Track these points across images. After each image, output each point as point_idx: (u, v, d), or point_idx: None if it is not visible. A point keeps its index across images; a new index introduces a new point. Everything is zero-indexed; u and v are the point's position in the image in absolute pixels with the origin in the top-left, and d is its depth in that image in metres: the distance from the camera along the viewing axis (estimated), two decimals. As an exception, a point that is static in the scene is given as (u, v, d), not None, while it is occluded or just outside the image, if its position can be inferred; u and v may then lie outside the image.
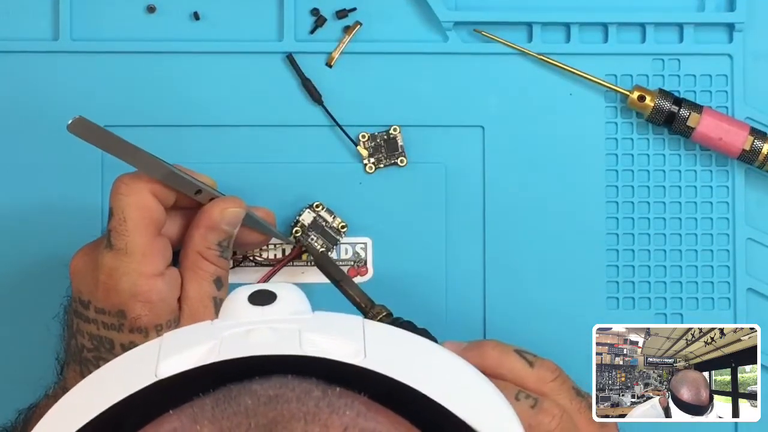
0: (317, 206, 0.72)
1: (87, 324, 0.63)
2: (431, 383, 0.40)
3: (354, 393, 0.40)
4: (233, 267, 0.72)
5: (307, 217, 0.71)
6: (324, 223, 0.71)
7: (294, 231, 0.71)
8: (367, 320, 0.43)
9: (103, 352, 0.63)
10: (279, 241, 0.72)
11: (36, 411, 0.65)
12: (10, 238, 0.72)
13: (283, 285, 0.45)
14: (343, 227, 0.72)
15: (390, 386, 0.40)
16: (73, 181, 0.72)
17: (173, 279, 0.63)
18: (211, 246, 0.64)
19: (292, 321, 0.43)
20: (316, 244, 0.71)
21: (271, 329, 0.42)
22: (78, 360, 0.64)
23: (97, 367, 0.62)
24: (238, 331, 0.42)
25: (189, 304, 0.64)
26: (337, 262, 0.72)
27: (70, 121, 0.59)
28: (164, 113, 0.72)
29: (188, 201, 0.65)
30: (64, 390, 0.64)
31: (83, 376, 0.63)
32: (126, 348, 0.62)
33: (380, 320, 0.64)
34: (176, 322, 0.63)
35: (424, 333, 0.63)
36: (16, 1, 0.72)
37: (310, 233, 0.71)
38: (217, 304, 0.64)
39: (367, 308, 0.66)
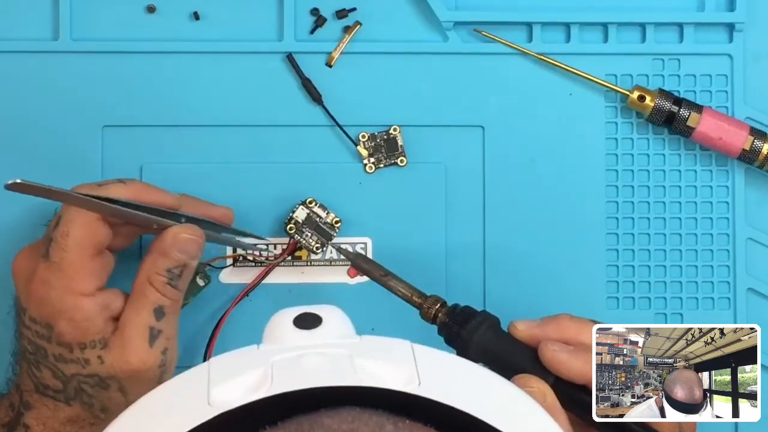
0: (310, 202, 0.71)
1: (25, 329, 0.63)
2: (487, 409, 0.40)
3: (422, 425, 0.40)
4: (231, 266, 0.72)
5: (300, 214, 0.71)
6: (318, 219, 0.71)
7: (288, 228, 0.71)
8: (414, 344, 0.43)
9: (40, 357, 0.63)
10: (276, 240, 0.72)
11: None
12: (10, 237, 0.72)
13: (326, 307, 0.45)
14: (336, 222, 0.72)
15: (448, 415, 0.40)
16: (73, 180, 0.72)
17: (107, 300, 0.63)
18: (160, 272, 0.63)
19: (341, 345, 0.42)
20: (311, 240, 0.71)
21: (321, 355, 0.41)
22: (25, 359, 0.64)
23: (39, 371, 0.62)
24: (287, 356, 0.41)
25: (123, 331, 0.63)
26: (337, 262, 0.72)
27: (9, 183, 0.59)
28: (164, 113, 0.72)
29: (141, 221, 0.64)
30: (17, 387, 0.64)
31: (31, 375, 0.63)
32: (57, 359, 0.62)
33: (438, 310, 0.62)
34: (103, 344, 0.62)
35: (485, 315, 0.62)
36: (16, 1, 0.72)
37: (304, 229, 0.71)
38: (153, 334, 0.63)
39: (421, 301, 0.63)
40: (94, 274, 0.62)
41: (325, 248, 0.72)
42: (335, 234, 0.72)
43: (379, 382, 0.40)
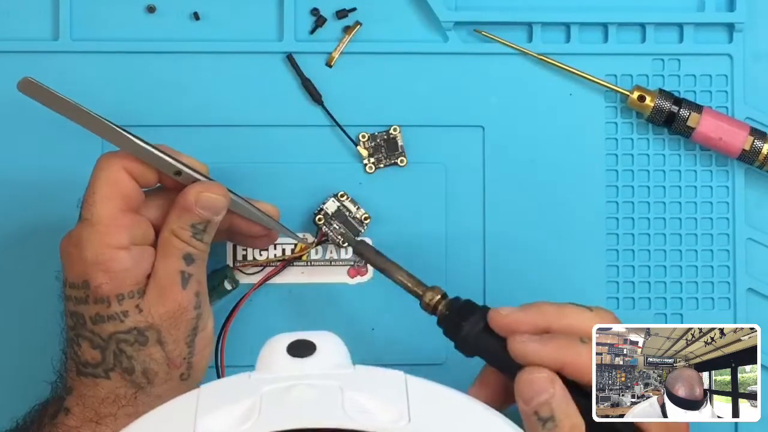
0: (341, 196, 0.72)
1: (67, 302, 0.64)
2: None
3: None
4: (242, 267, 0.72)
5: (331, 206, 0.71)
6: (347, 213, 0.71)
7: (317, 219, 0.71)
8: (408, 376, 0.43)
9: (80, 328, 0.64)
10: (280, 241, 0.72)
11: (44, 407, 0.66)
12: (14, 244, 0.72)
13: (322, 334, 0.45)
14: (366, 218, 0.72)
15: None
16: (74, 180, 0.72)
17: (141, 254, 0.64)
18: (184, 227, 0.64)
19: (333, 377, 0.42)
20: (338, 234, 0.71)
21: (311, 387, 0.41)
22: (69, 342, 0.65)
23: (79, 345, 0.63)
24: (278, 387, 0.41)
25: (156, 278, 0.64)
26: (337, 263, 0.72)
27: (20, 81, 0.60)
28: (164, 113, 0.72)
29: (173, 183, 0.65)
30: (62, 377, 0.65)
31: (72, 355, 0.63)
32: (95, 320, 0.63)
33: (438, 301, 0.62)
34: (140, 294, 0.63)
35: (484, 310, 0.61)
36: (16, 1, 0.72)
37: (333, 222, 0.71)
38: (185, 277, 0.64)
39: (422, 293, 0.63)
40: (125, 229, 0.63)
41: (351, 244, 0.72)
42: (363, 230, 0.72)
43: (368, 417, 0.40)
